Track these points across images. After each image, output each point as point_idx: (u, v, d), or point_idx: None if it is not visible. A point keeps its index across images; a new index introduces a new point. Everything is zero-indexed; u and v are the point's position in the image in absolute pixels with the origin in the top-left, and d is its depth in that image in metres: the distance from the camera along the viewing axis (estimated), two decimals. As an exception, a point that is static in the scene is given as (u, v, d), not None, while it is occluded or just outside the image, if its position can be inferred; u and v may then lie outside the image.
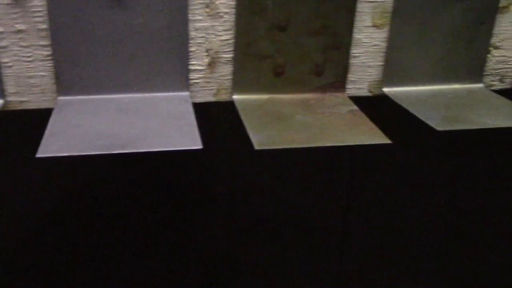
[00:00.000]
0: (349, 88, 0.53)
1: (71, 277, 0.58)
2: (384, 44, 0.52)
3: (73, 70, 0.46)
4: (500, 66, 0.56)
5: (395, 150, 0.50)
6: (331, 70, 0.51)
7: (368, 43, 0.51)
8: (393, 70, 0.53)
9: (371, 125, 0.46)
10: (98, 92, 0.47)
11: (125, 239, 0.58)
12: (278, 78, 0.51)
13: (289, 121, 0.46)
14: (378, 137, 0.44)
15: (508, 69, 0.56)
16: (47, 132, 0.41)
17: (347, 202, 0.60)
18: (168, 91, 0.49)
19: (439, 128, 0.45)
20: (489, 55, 0.55)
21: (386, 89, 0.53)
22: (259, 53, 0.49)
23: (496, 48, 0.55)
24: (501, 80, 0.56)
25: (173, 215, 0.55)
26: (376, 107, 0.51)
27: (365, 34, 0.51)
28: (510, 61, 0.56)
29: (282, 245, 0.60)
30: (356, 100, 0.52)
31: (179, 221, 0.56)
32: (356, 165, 0.58)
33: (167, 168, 0.51)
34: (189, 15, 0.47)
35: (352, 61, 0.52)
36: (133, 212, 0.56)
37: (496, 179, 0.65)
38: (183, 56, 0.48)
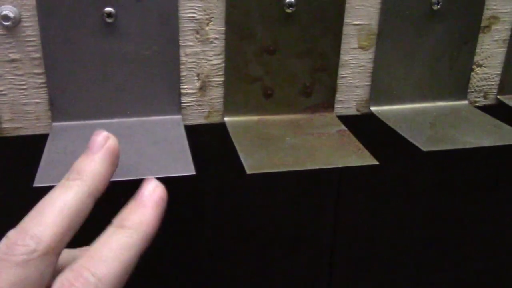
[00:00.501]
0: (338, 107, 0.54)
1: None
2: (370, 65, 0.53)
3: (67, 97, 0.47)
4: (484, 83, 0.57)
5: (382, 171, 0.52)
6: (319, 91, 0.53)
7: (355, 64, 0.53)
8: (379, 90, 0.54)
9: (359, 145, 0.48)
10: (92, 118, 0.48)
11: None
12: (268, 99, 0.52)
13: (279, 143, 0.48)
14: (365, 159, 0.45)
15: (492, 86, 0.58)
16: (43, 160, 0.42)
17: (335, 222, 0.61)
18: (161, 114, 0.50)
19: (424, 148, 0.46)
20: (472, 73, 0.56)
21: (373, 108, 0.54)
22: (249, 76, 0.50)
23: (479, 66, 0.56)
24: (485, 97, 0.58)
25: (166, 240, 0.56)
26: (363, 126, 0.52)
27: (352, 55, 0.52)
28: (493, 78, 0.57)
29: (273, 262, 0.62)
30: (345, 119, 0.53)
31: (172, 244, 0.57)
32: (344, 186, 0.59)
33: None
34: (180, 41, 0.48)
35: (340, 81, 0.53)
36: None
37: (476, 198, 0.66)
38: (175, 80, 0.49)
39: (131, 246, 0.31)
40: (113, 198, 0.50)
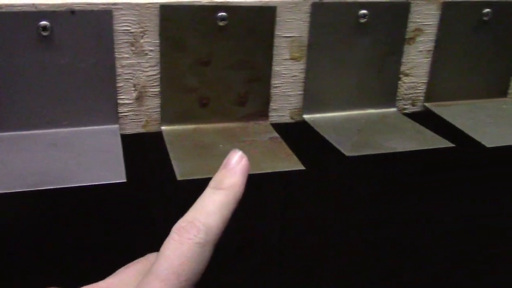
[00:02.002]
0: (272, 116, 0.57)
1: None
2: (302, 75, 0.56)
3: (3, 108, 0.48)
4: (411, 91, 0.61)
5: (308, 176, 0.54)
6: (253, 100, 0.55)
7: (287, 74, 0.55)
8: (311, 98, 0.57)
9: (288, 152, 0.50)
10: (28, 128, 0.49)
11: (50, 273, 0.59)
12: (204, 109, 0.54)
13: (212, 151, 0.50)
14: (293, 164, 0.48)
15: (419, 94, 0.61)
16: (-23, 170, 0.43)
17: (270, 224, 0.63)
18: (98, 124, 0.51)
19: (347, 153, 0.49)
20: (400, 82, 0.60)
21: (306, 116, 0.57)
22: (184, 87, 0.52)
23: (406, 75, 0.60)
24: (412, 104, 0.61)
25: (97, 247, 0.57)
26: (296, 133, 0.55)
27: (284, 66, 0.55)
28: (419, 86, 0.61)
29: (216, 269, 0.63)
30: (279, 127, 0.56)
31: (103, 252, 0.58)
32: (271, 190, 0.61)
33: (91, 202, 0.54)
34: (116, 54, 0.49)
35: (273, 91, 0.56)
36: (58, 247, 0.58)
37: (400, 200, 0.69)
38: (111, 91, 0.51)
39: (229, 204, 0.38)
40: (45, 207, 0.51)
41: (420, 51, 0.59)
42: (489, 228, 0.80)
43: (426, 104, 0.61)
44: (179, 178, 0.45)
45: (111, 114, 0.51)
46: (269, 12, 0.52)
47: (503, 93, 0.64)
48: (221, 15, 0.51)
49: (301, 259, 0.69)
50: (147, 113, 0.53)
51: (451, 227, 0.77)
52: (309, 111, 0.57)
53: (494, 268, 0.86)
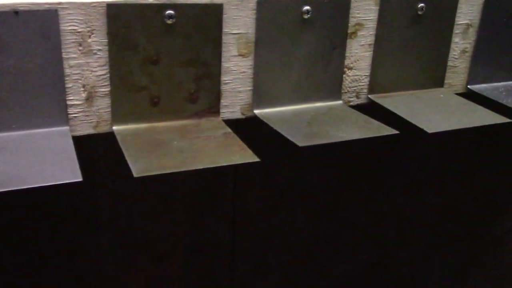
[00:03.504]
0: (223, 112, 0.57)
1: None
2: (250, 71, 0.57)
3: None
4: (355, 84, 0.63)
5: (263, 167, 0.55)
6: (204, 97, 0.56)
7: (236, 70, 0.56)
8: (261, 94, 0.58)
9: (242, 145, 0.51)
10: (-26, 133, 0.48)
11: (3, 275, 0.57)
12: (155, 107, 0.54)
13: (166, 147, 0.50)
14: (247, 156, 0.49)
15: (363, 86, 0.64)
16: None
17: (226, 218, 0.64)
18: (47, 126, 0.50)
19: (300, 144, 0.50)
20: (344, 75, 0.62)
21: (256, 111, 0.58)
22: (135, 86, 0.52)
23: (350, 68, 0.62)
24: (357, 97, 0.64)
25: (56, 247, 0.56)
26: (248, 128, 0.56)
27: (233, 62, 0.56)
28: (363, 79, 0.63)
29: (170, 266, 0.63)
30: (230, 123, 0.57)
31: (63, 252, 0.57)
32: (227, 183, 0.62)
33: (48, 203, 0.53)
34: (63, 54, 0.49)
35: (224, 87, 0.56)
36: (16, 249, 0.56)
37: (349, 187, 0.72)
38: (60, 92, 0.50)
39: None
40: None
41: (362, 45, 0.62)
42: (434, 210, 0.84)
43: (370, 96, 0.64)
44: (135, 175, 0.45)
45: (61, 115, 0.50)
46: (216, 9, 0.53)
47: (440, 84, 0.68)
48: (169, 13, 0.51)
49: (257, 251, 0.70)
50: (97, 113, 0.52)
51: (401, 210, 0.80)
52: (259, 106, 0.58)
53: (436, 252, 0.90)
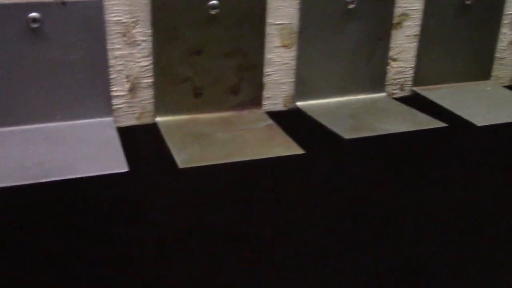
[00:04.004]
0: (266, 104, 0.57)
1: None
2: (293, 62, 0.56)
3: (-5, 103, 0.47)
4: (399, 76, 0.61)
5: (308, 159, 0.55)
6: (246, 89, 0.55)
7: (279, 62, 0.55)
8: (303, 85, 0.57)
9: (286, 137, 0.50)
10: (23, 123, 0.48)
11: (54, 264, 0.58)
12: (198, 99, 0.54)
13: (209, 139, 0.49)
14: (292, 149, 0.48)
15: (407, 78, 0.62)
16: (-28, 166, 0.42)
17: (269, 210, 0.63)
18: (92, 117, 0.50)
19: (346, 136, 0.49)
20: (388, 67, 0.60)
21: (299, 103, 0.57)
22: (178, 77, 0.52)
23: (394, 60, 0.60)
24: (401, 89, 0.62)
25: (102, 237, 0.56)
26: (290, 120, 0.55)
27: (276, 53, 0.55)
28: (407, 71, 0.62)
29: (212, 257, 0.63)
30: (273, 115, 0.56)
31: (108, 242, 0.57)
32: (273, 175, 0.61)
33: (94, 193, 0.53)
34: (108, 45, 0.49)
35: (266, 79, 0.56)
36: (61, 239, 0.57)
37: (398, 181, 0.70)
38: (104, 83, 0.50)
39: None
40: (46, 199, 0.50)
41: (407, 35, 0.60)
42: (482, 205, 0.81)
43: (414, 88, 0.62)
44: (180, 166, 0.44)
45: (105, 106, 0.50)
46: (259, 0, 0.52)
47: (487, 76, 0.66)
48: (213, 3, 0.51)
49: (297, 242, 0.69)
50: (140, 104, 0.52)
51: (449, 205, 0.78)
52: (301, 98, 0.57)
53: (489, 246, 0.88)
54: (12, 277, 0.56)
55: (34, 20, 0.46)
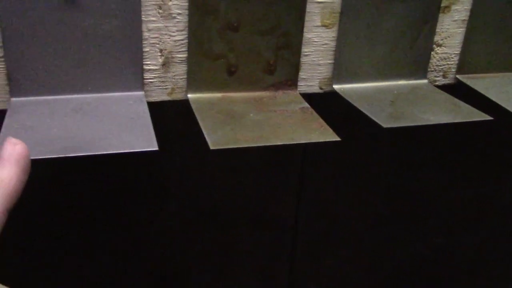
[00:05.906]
0: (301, 85, 0.55)
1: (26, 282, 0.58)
2: (333, 43, 0.53)
3: (26, 71, 0.46)
4: (443, 62, 0.58)
5: (344, 147, 0.53)
6: (282, 69, 0.53)
7: (318, 42, 0.53)
8: (342, 68, 0.55)
9: (321, 122, 0.48)
10: (52, 93, 0.47)
11: (82, 240, 0.58)
12: (231, 76, 0.52)
13: (242, 120, 0.48)
14: (327, 135, 0.46)
15: (451, 65, 0.59)
16: (1, 136, 0.41)
17: (298, 196, 0.62)
18: (123, 90, 0.49)
19: (384, 125, 0.47)
20: (432, 52, 0.57)
21: (336, 86, 0.55)
22: (212, 53, 0.50)
23: (439, 45, 0.57)
24: (444, 76, 0.59)
25: (128, 215, 0.55)
26: (326, 103, 0.53)
27: (315, 33, 0.53)
28: (452, 57, 0.58)
29: (236, 237, 0.62)
30: (308, 97, 0.54)
31: (135, 220, 0.57)
32: (306, 161, 0.60)
33: (122, 169, 0.52)
34: (142, 16, 0.47)
35: (303, 59, 0.53)
36: (88, 214, 0.57)
37: (436, 173, 0.68)
38: (137, 56, 0.48)
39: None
40: (75, 174, 0.49)
41: (455, 20, 0.57)
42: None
43: (458, 76, 0.59)
44: (212, 147, 0.43)
45: (137, 80, 0.49)
46: (302, -24, 0.50)
47: (536, 66, 0.62)
48: (253, -23, 0.48)
49: (320, 228, 0.68)
50: (173, 80, 0.50)
51: (491, 199, 0.75)
52: (339, 81, 0.55)
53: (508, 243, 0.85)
54: (44, 252, 0.56)
55: (69, -13, 0.44)
